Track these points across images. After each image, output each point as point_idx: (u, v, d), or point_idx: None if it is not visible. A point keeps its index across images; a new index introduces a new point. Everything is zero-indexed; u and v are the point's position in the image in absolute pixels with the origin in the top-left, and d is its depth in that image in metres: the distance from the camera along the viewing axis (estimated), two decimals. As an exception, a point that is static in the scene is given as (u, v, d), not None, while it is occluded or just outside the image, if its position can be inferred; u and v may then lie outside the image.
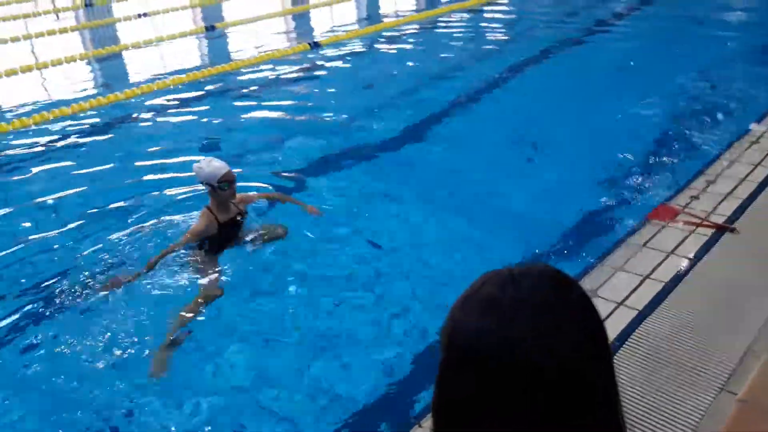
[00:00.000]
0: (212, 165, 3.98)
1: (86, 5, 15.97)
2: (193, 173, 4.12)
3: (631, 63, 8.37)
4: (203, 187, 4.13)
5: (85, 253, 4.52)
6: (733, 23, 10.58)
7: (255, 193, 4.82)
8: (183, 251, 4.15)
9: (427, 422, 2.72)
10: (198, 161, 4.08)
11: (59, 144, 6.90)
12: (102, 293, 3.94)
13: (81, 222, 5.00)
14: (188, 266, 4.09)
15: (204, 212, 4.13)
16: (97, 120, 7.60)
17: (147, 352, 3.54)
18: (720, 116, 6.40)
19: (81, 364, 3.50)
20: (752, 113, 6.00)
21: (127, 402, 3.24)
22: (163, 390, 3.30)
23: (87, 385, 3.35)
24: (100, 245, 4.58)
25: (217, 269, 4.09)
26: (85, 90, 9.01)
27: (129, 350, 3.57)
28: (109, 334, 3.68)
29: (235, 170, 4.18)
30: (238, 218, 4.26)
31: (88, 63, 10.90)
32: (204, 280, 4.01)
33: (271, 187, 5.33)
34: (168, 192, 5.40)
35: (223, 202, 4.10)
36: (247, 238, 4.33)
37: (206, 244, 4.12)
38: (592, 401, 0.82)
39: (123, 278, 3.99)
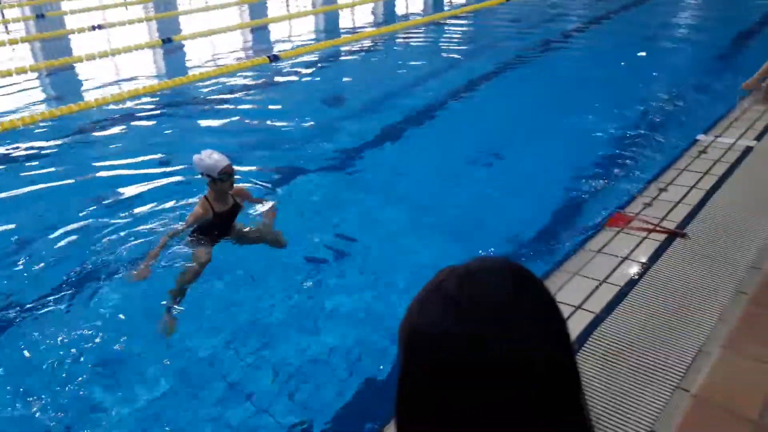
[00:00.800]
0: (213, 157, 4.12)
1: (37, 16, 15.62)
2: (191, 169, 4.23)
3: (586, 75, 8.61)
4: (201, 178, 4.26)
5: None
6: (683, 37, 10.98)
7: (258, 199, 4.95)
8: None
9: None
10: (198, 153, 4.18)
11: (8, 158, 6.70)
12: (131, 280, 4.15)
13: (43, 237, 4.87)
14: (183, 248, 4.26)
15: (202, 201, 4.28)
16: (50, 133, 7.41)
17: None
18: (670, 127, 6.62)
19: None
20: (700, 124, 6.22)
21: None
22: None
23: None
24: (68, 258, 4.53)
25: (208, 247, 4.22)
26: (36, 103, 8.79)
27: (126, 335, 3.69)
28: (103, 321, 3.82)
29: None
30: (234, 210, 4.42)
31: (40, 75, 10.64)
32: (195, 251, 4.19)
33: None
34: (127, 204, 5.31)
35: (221, 193, 4.25)
36: (245, 229, 4.47)
37: (202, 231, 4.26)
38: (576, 397, 0.82)
39: (143, 270, 4.10)
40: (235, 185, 4.32)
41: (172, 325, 3.76)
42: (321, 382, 3.33)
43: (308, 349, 3.58)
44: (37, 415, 3.18)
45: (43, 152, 6.81)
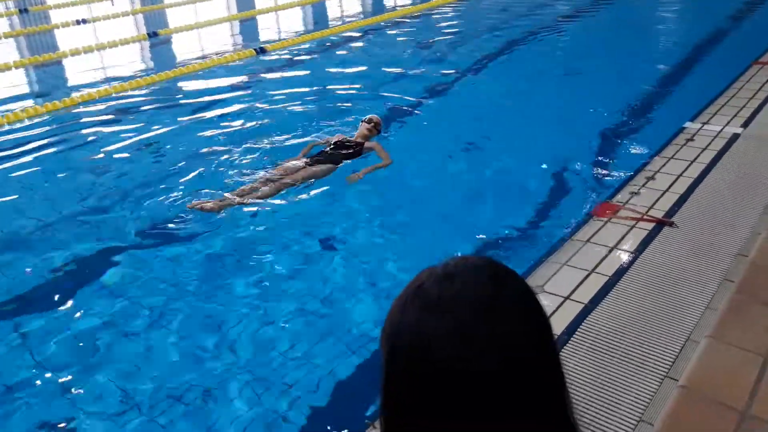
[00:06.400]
0: (371, 113, 6.34)
1: (20, 11, 15.45)
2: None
3: (572, 65, 8.60)
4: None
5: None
6: (669, 24, 10.99)
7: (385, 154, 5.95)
8: None
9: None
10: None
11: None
12: None
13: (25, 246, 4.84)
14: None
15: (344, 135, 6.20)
16: (35, 130, 7.33)
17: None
18: (657, 115, 6.64)
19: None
20: (687, 111, 6.23)
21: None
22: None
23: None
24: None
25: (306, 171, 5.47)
26: (21, 99, 8.69)
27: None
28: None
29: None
30: (353, 146, 5.89)
31: (25, 71, 10.53)
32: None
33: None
34: (115, 198, 5.27)
35: (360, 134, 6.10)
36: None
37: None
38: (549, 396, 0.81)
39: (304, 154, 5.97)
40: (380, 148, 5.89)
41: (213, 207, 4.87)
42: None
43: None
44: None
45: (26, 150, 6.73)
